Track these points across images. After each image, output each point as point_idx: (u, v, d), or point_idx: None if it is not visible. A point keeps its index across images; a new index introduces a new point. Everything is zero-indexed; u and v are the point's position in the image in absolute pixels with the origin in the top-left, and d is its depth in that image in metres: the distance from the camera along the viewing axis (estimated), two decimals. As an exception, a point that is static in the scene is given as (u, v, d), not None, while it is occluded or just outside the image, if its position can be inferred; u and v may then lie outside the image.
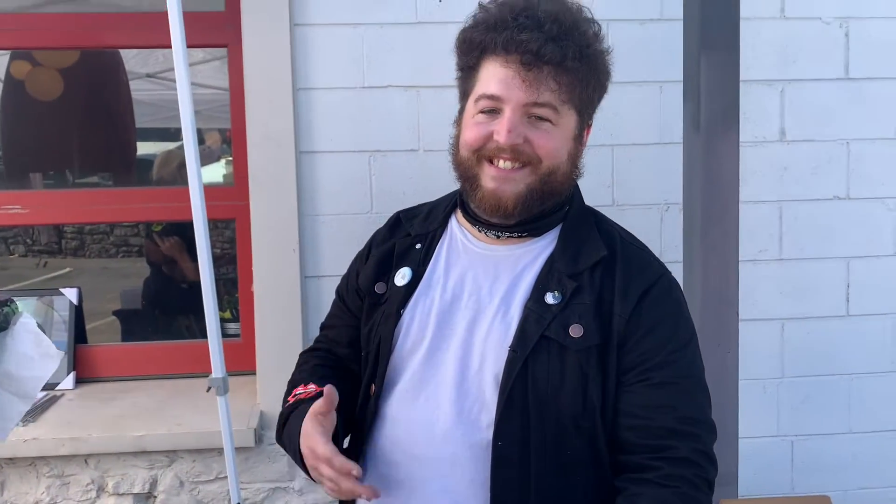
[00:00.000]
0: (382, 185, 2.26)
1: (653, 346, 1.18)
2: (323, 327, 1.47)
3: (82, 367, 2.44)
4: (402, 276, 1.29)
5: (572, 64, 1.16)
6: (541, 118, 1.19)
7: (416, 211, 1.40)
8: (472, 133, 1.21)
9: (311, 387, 1.29)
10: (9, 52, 3.29)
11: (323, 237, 2.26)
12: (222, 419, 1.95)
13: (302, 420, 1.20)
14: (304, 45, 2.22)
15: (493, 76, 1.19)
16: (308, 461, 1.19)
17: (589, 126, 1.28)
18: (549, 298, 1.19)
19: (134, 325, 3.83)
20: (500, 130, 1.18)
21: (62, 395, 2.35)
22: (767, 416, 2.42)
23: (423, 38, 2.23)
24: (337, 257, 2.27)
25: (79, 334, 2.48)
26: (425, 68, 2.24)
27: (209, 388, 2.02)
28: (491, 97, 1.19)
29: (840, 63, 2.35)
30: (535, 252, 1.25)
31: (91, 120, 3.44)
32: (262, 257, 2.24)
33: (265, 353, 2.26)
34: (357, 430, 1.30)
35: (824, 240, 2.39)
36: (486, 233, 1.27)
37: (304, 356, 1.44)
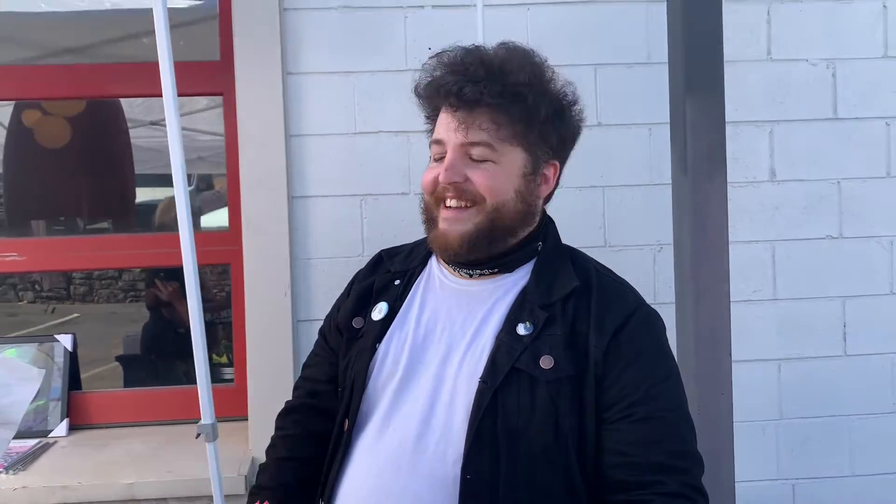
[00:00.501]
0: (374, 228, 2.28)
1: (634, 381, 1.17)
2: (304, 367, 1.50)
3: (76, 413, 2.44)
4: (379, 311, 1.31)
5: (497, 101, 1.19)
6: (479, 159, 1.22)
7: (398, 250, 1.43)
8: (425, 177, 1.28)
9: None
10: (12, 102, 3.35)
11: (315, 281, 2.28)
12: (211, 466, 1.93)
13: None
14: (296, 93, 2.26)
15: (441, 123, 1.26)
16: None
17: (554, 165, 1.29)
18: (521, 329, 1.20)
19: (135, 370, 3.83)
20: (441, 171, 1.23)
21: (55, 442, 2.34)
22: (767, 459, 2.39)
23: (413, 84, 2.26)
24: (329, 301, 2.22)
25: (74, 380, 2.49)
26: (415, 114, 2.21)
27: (198, 435, 2.02)
28: (437, 142, 1.27)
29: (828, 103, 2.37)
30: (507, 286, 1.26)
31: (93, 167, 3.49)
32: (255, 301, 2.25)
33: (257, 398, 2.26)
34: (330, 464, 1.30)
35: (819, 279, 2.38)
36: (459, 271, 1.29)
37: (279, 421, 1.46)
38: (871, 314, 2.39)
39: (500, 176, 1.23)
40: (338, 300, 1.46)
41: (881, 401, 2.40)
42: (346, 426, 1.27)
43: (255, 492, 1.36)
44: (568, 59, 2.28)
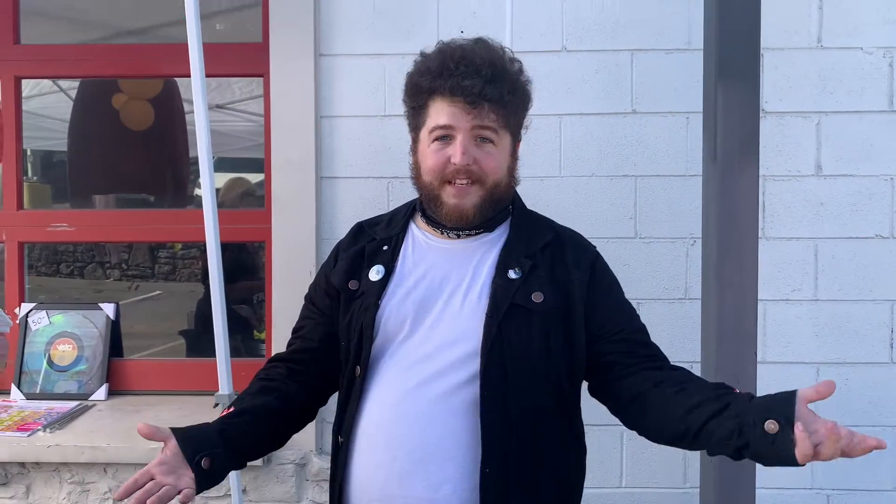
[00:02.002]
0: (400, 211, 2.29)
1: (615, 301, 1.48)
2: (295, 331, 1.61)
3: (116, 379, 2.54)
4: (377, 272, 1.48)
5: (508, 98, 1.41)
6: (485, 139, 1.42)
7: (375, 220, 1.61)
8: (432, 160, 1.44)
9: (232, 409, 1.46)
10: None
11: (340, 261, 2.30)
12: (227, 435, 1.99)
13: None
14: (328, 75, 2.28)
15: (442, 111, 1.42)
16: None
17: (518, 142, 1.51)
18: (512, 274, 1.43)
19: (194, 344, 3.97)
20: (456, 153, 1.41)
21: (94, 405, 2.45)
22: (801, 467, 2.27)
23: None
24: (354, 282, 2.31)
25: (117, 348, 2.60)
26: (445, 97, 2.26)
27: (216, 405, 2.08)
28: (444, 127, 1.42)
29: (883, 95, 2.23)
30: (490, 243, 1.49)
31: (151, 145, 3.64)
32: (281, 279, 2.29)
33: (280, 373, 2.30)
34: (344, 406, 1.46)
35: (865, 280, 2.25)
36: (447, 234, 1.49)
37: (260, 372, 1.56)
38: (922, 320, 2.25)
39: (499, 157, 1.45)
40: (322, 269, 1.60)
41: (930, 412, 2.25)
42: (357, 372, 1.43)
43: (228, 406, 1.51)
44: (604, 45, 2.27)
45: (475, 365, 1.37)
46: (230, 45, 2.54)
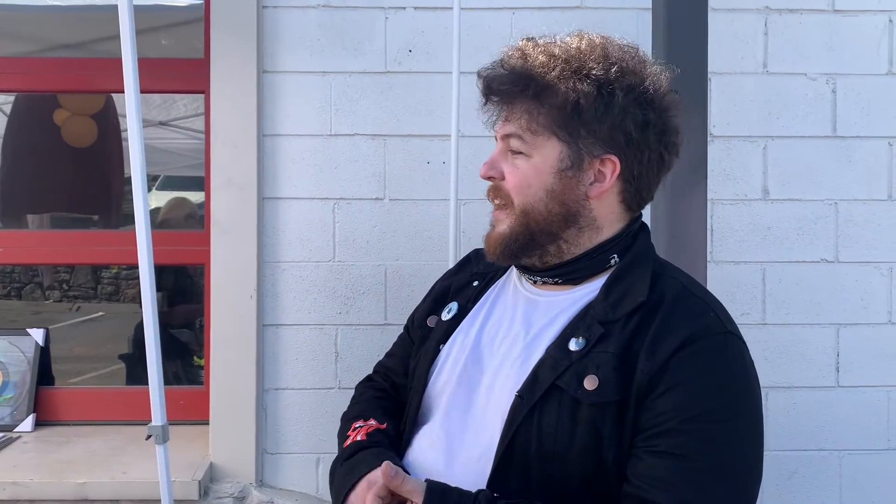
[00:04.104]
0: (346, 233, 2.23)
1: (671, 408, 1.00)
2: (386, 355, 1.40)
3: (44, 409, 2.41)
4: (448, 311, 1.23)
5: (533, 91, 1.08)
6: (514, 151, 1.12)
7: None
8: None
9: (372, 421, 1.21)
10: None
11: (283, 285, 2.22)
12: (160, 469, 1.89)
13: (356, 474, 1.12)
14: (272, 92, 2.22)
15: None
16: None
17: (612, 160, 1.11)
18: (572, 344, 1.06)
19: (133, 368, 3.82)
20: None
21: (18, 437, 2.31)
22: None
23: (391, 87, 2.22)
24: (297, 305, 2.24)
25: (46, 376, 2.47)
26: (392, 117, 2.22)
27: (149, 436, 1.97)
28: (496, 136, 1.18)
29: (827, 120, 2.26)
30: (574, 299, 1.13)
31: (90, 163, 3.52)
32: (220, 303, 2.20)
33: (219, 401, 2.21)
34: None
35: (811, 305, 2.26)
36: (526, 277, 1.19)
37: (360, 387, 1.35)
38: (868, 343, 2.26)
39: (527, 174, 1.12)
40: (425, 296, 1.36)
41: (875, 437, 2.27)
42: (405, 429, 1.20)
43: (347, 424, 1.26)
44: (552, 66, 2.24)
45: (490, 462, 1.05)
46: (171, 60, 2.46)
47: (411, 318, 1.35)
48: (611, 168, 1.11)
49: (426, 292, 1.35)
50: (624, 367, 1.03)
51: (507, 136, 1.12)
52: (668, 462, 0.99)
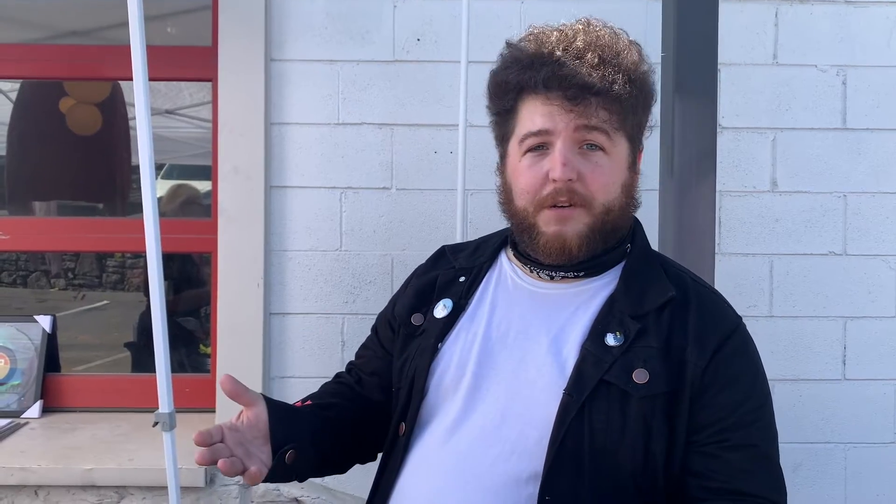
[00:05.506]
0: (353, 222, 2.23)
1: (730, 404, 1.08)
2: (356, 355, 1.40)
3: (51, 396, 2.42)
4: (443, 308, 1.21)
5: (620, 90, 1.09)
6: (593, 146, 1.11)
7: (462, 246, 1.34)
8: (526, 178, 1.13)
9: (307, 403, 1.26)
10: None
11: (290, 273, 2.22)
12: (167, 457, 1.89)
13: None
14: (279, 80, 2.21)
15: (536, 113, 1.12)
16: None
17: (640, 151, 1.20)
18: (610, 340, 1.09)
19: (140, 357, 3.83)
20: (555, 166, 1.10)
21: (26, 423, 2.32)
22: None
23: (399, 76, 2.21)
24: (304, 294, 2.24)
25: (53, 362, 2.47)
26: (400, 106, 2.21)
27: (155, 423, 1.98)
28: (538, 133, 1.12)
29: (837, 112, 2.24)
30: (592, 292, 1.15)
31: (96, 151, 3.52)
32: (227, 292, 2.20)
33: (225, 390, 2.21)
34: (383, 470, 1.22)
35: (819, 297, 2.25)
36: (538, 273, 1.18)
37: (329, 382, 1.38)
38: (875, 337, 2.26)
39: (612, 171, 1.13)
40: (394, 295, 1.36)
41: (881, 430, 2.26)
42: (402, 430, 1.18)
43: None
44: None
45: (540, 458, 1.05)
46: (179, 48, 2.46)
47: (380, 320, 1.34)
48: (639, 159, 1.19)
49: (398, 289, 1.35)
50: (668, 361, 1.08)
51: (587, 130, 1.10)
52: (742, 454, 1.08)
